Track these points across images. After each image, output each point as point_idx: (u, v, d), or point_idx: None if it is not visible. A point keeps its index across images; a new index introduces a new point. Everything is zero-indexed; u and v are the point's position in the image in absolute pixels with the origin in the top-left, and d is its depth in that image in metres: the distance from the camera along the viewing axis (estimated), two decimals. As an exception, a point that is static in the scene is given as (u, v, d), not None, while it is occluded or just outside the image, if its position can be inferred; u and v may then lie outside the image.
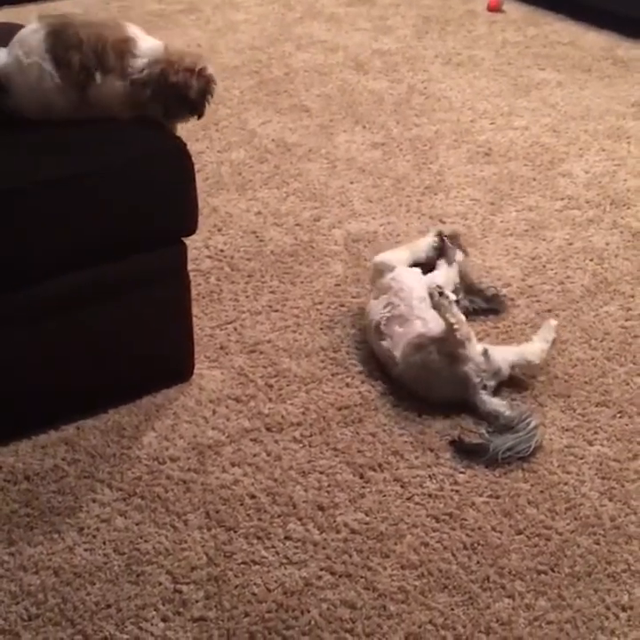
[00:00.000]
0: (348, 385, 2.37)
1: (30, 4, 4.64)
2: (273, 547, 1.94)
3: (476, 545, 1.94)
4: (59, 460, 2.13)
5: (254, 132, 3.55)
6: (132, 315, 2.23)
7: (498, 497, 2.05)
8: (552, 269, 2.80)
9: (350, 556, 1.92)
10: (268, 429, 2.23)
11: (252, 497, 2.05)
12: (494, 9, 4.71)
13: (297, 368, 2.42)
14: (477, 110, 3.72)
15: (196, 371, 2.38)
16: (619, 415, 2.27)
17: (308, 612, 1.81)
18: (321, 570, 1.89)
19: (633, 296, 2.68)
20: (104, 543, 1.95)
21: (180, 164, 2.15)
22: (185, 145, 2.15)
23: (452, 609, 1.82)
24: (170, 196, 2.16)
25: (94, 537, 1.96)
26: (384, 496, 2.06)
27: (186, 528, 1.98)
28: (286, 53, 4.23)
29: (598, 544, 1.95)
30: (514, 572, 1.88)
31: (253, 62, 4.13)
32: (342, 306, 2.64)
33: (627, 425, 2.24)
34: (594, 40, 4.37)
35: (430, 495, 2.06)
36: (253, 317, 2.59)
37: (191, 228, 2.23)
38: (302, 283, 2.73)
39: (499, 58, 4.21)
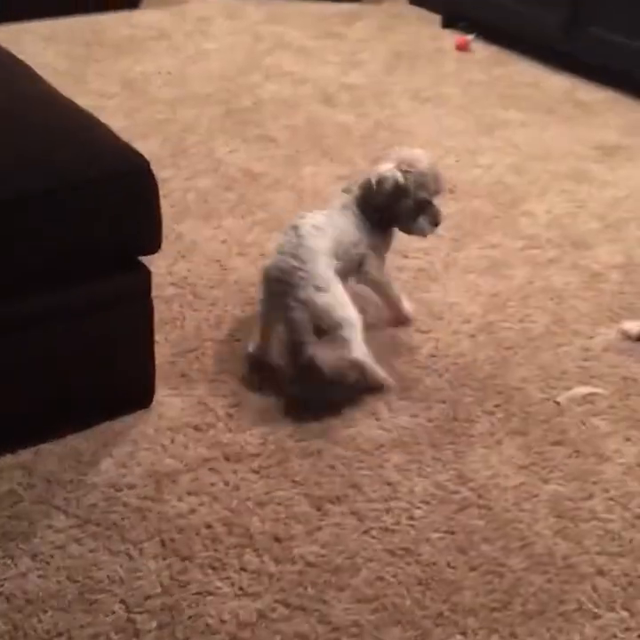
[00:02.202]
0: (307, 418, 2.37)
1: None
2: (228, 577, 1.93)
3: (430, 580, 1.95)
4: (14, 485, 2.11)
5: (221, 161, 3.57)
6: (93, 340, 2.23)
7: (453, 533, 2.07)
8: (512, 307, 2.83)
9: (305, 589, 1.92)
10: (227, 459, 2.23)
11: (209, 527, 2.05)
12: (462, 48, 4.78)
13: (257, 398, 2.42)
14: (443, 147, 3.76)
15: (156, 398, 2.38)
16: (574, 454, 2.30)
17: (262, 644, 1.81)
18: (275, 602, 1.89)
19: (591, 337, 2.71)
20: (58, 570, 1.93)
21: (143, 182, 2.15)
22: (148, 163, 2.16)
23: (406, 644, 1.83)
24: (132, 214, 2.16)
25: (48, 563, 1.94)
26: (341, 529, 2.06)
27: (141, 557, 1.97)
28: (255, 84, 4.26)
29: (551, 582, 1.96)
30: (467, 609, 1.89)
31: (222, 91, 4.16)
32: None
33: (582, 464, 2.27)
34: (557, 82, 4.45)
35: (387, 529, 2.07)
36: (215, 346, 2.60)
37: (154, 247, 2.23)
38: (265, 313, 2.74)
39: (465, 96, 4.28)
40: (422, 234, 2.64)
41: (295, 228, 2.47)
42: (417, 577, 1.96)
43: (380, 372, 2.45)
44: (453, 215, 3.27)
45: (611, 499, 2.16)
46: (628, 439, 2.34)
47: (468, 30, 4.88)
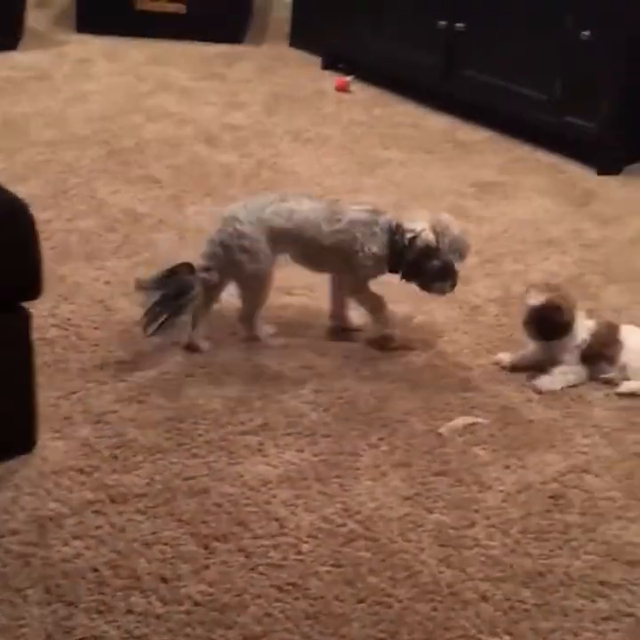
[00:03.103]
0: (194, 455, 2.37)
1: None
2: (114, 621, 1.91)
3: (318, 614, 1.96)
4: None
5: (104, 202, 3.55)
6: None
7: (340, 566, 2.09)
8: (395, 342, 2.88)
9: (193, 629, 1.91)
10: (112, 501, 2.21)
11: (94, 570, 2.02)
12: (342, 89, 4.87)
13: (143, 439, 2.40)
14: (325, 186, 3.82)
15: (39, 442, 2.34)
16: (457, 484, 2.35)
17: (150, 687, 1.79)
18: (163, 644, 1.88)
19: (471, 368, 2.78)
20: (-63, 621, 1.88)
21: (21, 224, 2.13)
22: (26, 205, 2.14)
23: (294, 679, 1.83)
24: (10, 258, 2.13)
25: None
26: (228, 567, 2.06)
27: (24, 604, 1.93)
28: (137, 125, 4.26)
29: (436, 610, 1.99)
30: (355, 641, 1.91)
31: (103, 132, 4.14)
32: (189, 376, 2.65)
33: (464, 493, 2.32)
34: (436, 123, 4.57)
35: (274, 565, 2.08)
36: (99, 387, 2.57)
37: (34, 293, 2.20)
38: (150, 353, 2.73)
39: (346, 136, 4.35)
40: (441, 293, 2.80)
41: (282, 199, 2.76)
42: (305, 611, 1.97)
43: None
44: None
45: (492, 525, 2.22)
46: (507, 467, 2.40)
47: (347, 72, 4.98)
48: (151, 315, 2.62)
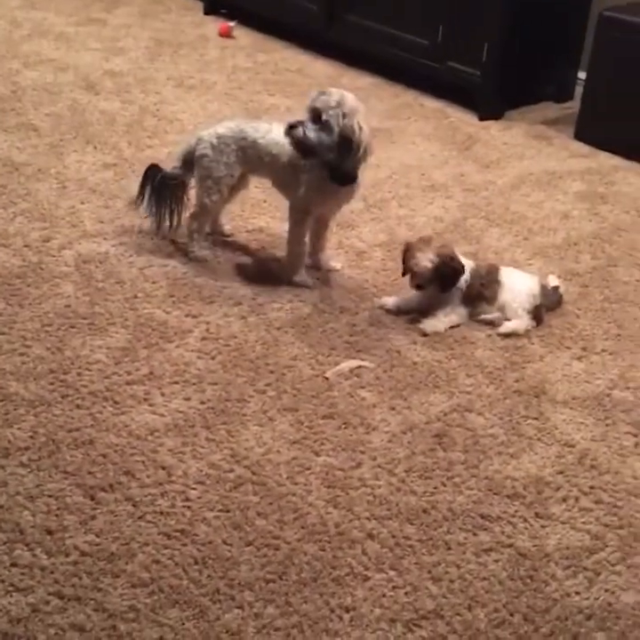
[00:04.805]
0: (78, 406, 2.34)
1: None
2: (-2, 575, 1.89)
3: (206, 559, 1.97)
4: None
5: (-20, 151, 3.45)
6: None
7: (228, 511, 2.09)
8: (282, 288, 2.88)
9: (80, 579, 1.89)
10: (-6, 455, 2.17)
11: (-23, 525, 1.99)
12: (225, 35, 4.81)
13: (25, 391, 2.36)
14: (209, 133, 3.77)
15: None
16: (343, 426, 2.37)
17: (36, 638, 1.77)
18: (49, 594, 1.85)
19: (357, 313, 2.81)
20: None
21: None
22: None
23: (183, 623, 1.83)
24: None
25: None
26: (115, 516, 2.05)
27: None
28: (13, 71, 4.14)
29: (324, 550, 2.02)
30: (243, 583, 1.93)
31: (-21, 79, 4.01)
32: (73, 327, 2.60)
33: (351, 435, 2.34)
34: (321, 68, 4.55)
35: (162, 513, 2.07)
36: (-22, 341, 2.52)
37: None
38: (31, 305, 2.67)
39: (230, 82, 4.31)
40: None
41: (267, 122, 2.95)
42: (193, 557, 1.97)
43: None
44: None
45: (378, 466, 2.25)
46: (392, 408, 2.44)
47: (229, 17, 4.91)
48: (157, 219, 3.00)
